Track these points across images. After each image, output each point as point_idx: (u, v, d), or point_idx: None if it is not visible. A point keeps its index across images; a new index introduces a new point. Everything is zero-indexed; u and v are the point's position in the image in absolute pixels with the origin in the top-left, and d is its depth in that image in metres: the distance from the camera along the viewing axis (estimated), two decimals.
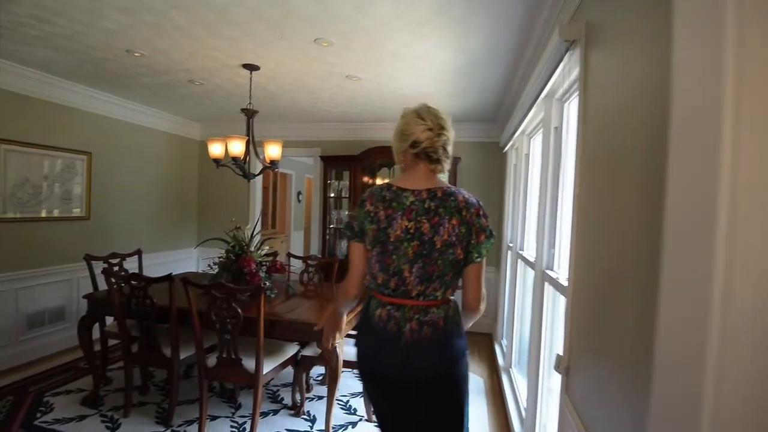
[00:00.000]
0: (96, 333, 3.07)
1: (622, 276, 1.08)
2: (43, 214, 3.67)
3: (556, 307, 2.12)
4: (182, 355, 2.76)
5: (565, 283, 1.66)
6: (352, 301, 1.53)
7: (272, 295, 3.09)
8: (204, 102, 4.24)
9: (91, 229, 4.16)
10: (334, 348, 2.51)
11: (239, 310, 2.44)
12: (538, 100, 2.21)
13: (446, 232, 1.33)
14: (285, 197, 8.21)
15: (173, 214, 5.35)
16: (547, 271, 2.15)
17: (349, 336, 2.87)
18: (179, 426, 2.67)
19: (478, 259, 1.39)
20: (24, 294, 3.53)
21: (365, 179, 4.89)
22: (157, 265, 4.91)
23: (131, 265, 3.66)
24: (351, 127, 5.12)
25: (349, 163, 4.76)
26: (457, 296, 1.46)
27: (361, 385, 1.70)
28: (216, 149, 3.14)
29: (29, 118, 3.53)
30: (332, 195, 5.04)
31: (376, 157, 4.66)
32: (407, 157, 1.43)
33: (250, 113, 3.15)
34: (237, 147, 2.99)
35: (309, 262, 3.89)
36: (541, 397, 2.18)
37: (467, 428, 1.43)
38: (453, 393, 1.39)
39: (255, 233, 3.21)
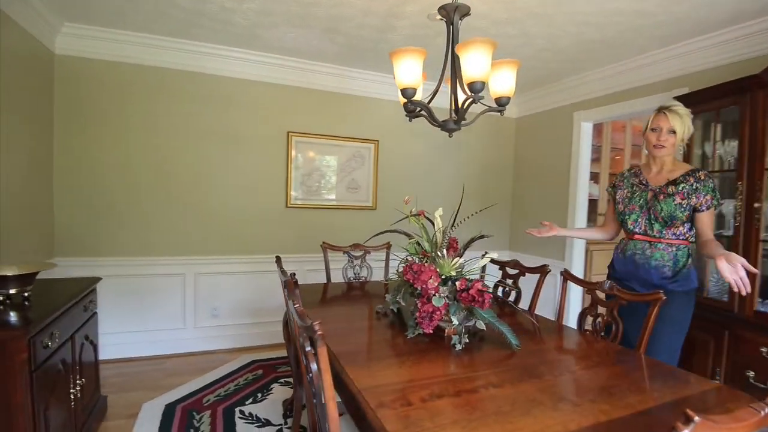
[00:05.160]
0: None
1: None
2: (329, 203, 3.76)
3: None
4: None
5: None
6: None
7: (459, 347, 1.62)
8: None
9: (377, 219, 3.97)
10: None
11: (312, 363, 1.26)
12: None
13: None
14: None
15: (475, 209, 4.47)
16: None
17: None
18: None
19: None
20: (311, 276, 3.70)
21: None
22: None
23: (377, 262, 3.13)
24: (741, 33, 2.44)
25: (737, 95, 2.19)
26: None
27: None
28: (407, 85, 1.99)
29: (317, 110, 3.69)
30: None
31: None
32: None
33: (449, 11, 1.79)
34: (409, 71, 1.73)
35: (597, 292, 1.97)
36: None
37: None
38: None
39: (454, 224, 1.82)
